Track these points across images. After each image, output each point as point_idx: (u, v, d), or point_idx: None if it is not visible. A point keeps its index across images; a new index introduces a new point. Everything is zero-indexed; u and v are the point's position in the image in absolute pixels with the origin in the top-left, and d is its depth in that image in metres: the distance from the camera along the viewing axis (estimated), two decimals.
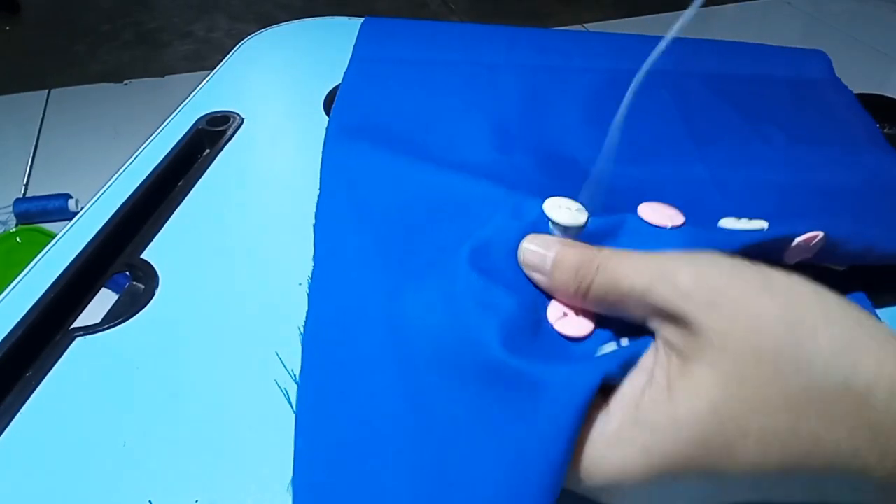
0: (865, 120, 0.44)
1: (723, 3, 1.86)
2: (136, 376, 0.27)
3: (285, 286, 0.31)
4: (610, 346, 0.23)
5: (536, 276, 0.24)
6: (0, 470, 0.24)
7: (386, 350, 0.25)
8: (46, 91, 1.54)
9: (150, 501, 0.23)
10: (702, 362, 0.19)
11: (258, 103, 0.44)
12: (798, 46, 0.50)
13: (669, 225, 0.25)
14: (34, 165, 1.31)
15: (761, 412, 0.18)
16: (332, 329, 0.27)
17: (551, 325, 0.23)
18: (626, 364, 0.21)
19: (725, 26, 1.77)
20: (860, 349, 0.18)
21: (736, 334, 0.18)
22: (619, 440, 0.19)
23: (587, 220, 0.25)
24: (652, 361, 0.20)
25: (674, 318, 0.20)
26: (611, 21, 1.82)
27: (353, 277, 0.29)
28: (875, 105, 0.45)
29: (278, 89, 0.47)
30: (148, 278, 0.32)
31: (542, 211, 0.25)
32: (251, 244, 0.34)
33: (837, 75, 0.49)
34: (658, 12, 1.76)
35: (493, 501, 0.20)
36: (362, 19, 0.52)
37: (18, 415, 0.26)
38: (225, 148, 0.40)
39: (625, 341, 0.23)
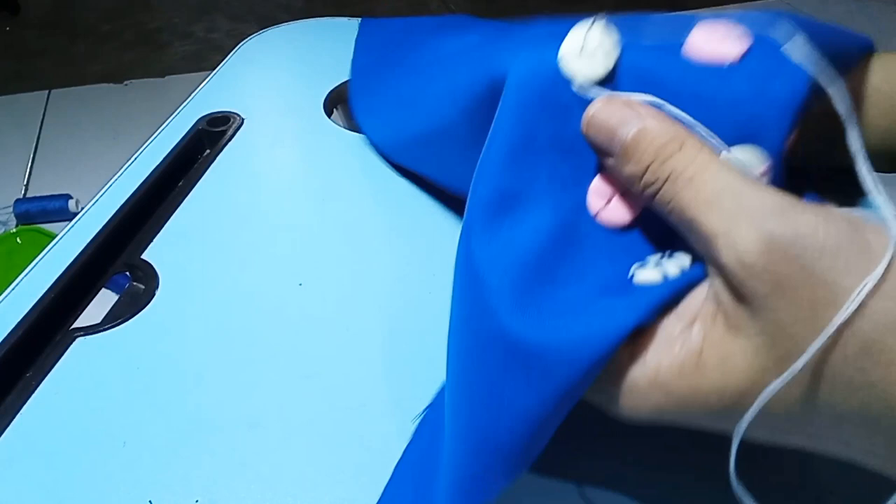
0: None
1: (722, 4, 1.86)
2: (136, 376, 0.27)
3: (285, 286, 0.31)
4: (651, 269, 0.20)
5: (603, 157, 0.20)
6: (0, 470, 0.24)
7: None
8: (46, 91, 1.54)
9: (150, 501, 0.23)
10: (747, 343, 0.17)
11: (258, 104, 0.45)
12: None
13: (729, 60, 0.20)
14: (34, 166, 1.31)
15: (795, 410, 0.16)
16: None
17: (592, 217, 0.21)
18: (665, 304, 0.18)
19: None
20: None
21: (797, 333, 0.16)
22: (637, 393, 0.18)
23: (617, 60, 0.20)
24: (696, 310, 0.18)
25: (731, 283, 0.17)
26: None
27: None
28: None
29: (278, 90, 0.47)
30: (148, 278, 0.32)
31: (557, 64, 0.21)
32: (251, 244, 0.34)
33: None
34: (658, 12, 1.76)
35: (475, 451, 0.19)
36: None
37: (18, 415, 0.26)
38: (225, 148, 0.40)
39: (671, 268, 0.19)
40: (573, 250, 0.20)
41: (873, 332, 0.15)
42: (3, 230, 1.16)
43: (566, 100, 0.21)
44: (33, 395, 0.26)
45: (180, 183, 0.38)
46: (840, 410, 0.16)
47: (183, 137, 0.41)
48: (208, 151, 0.41)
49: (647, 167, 0.19)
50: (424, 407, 0.26)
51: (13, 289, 0.31)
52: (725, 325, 0.17)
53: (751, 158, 0.19)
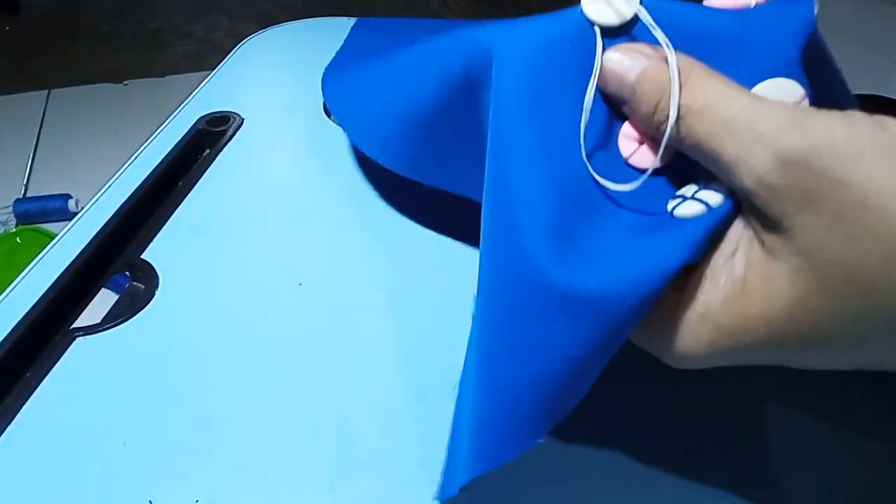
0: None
1: None
2: (136, 376, 0.27)
3: (285, 286, 0.31)
4: (691, 202, 0.19)
5: (621, 105, 0.20)
6: (0, 470, 0.24)
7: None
8: (46, 91, 1.54)
9: (150, 501, 0.23)
10: (786, 265, 0.16)
11: (258, 104, 0.45)
12: None
13: (749, 4, 0.20)
14: (34, 166, 1.31)
15: (844, 327, 0.16)
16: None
17: (626, 161, 0.20)
18: (712, 234, 0.18)
19: None
20: None
21: (832, 246, 0.15)
22: (689, 333, 0.18)
23: (638, 5, 0.20)
24: (736, 239, 0.18)
25: (758, 208, 0.17)
26: None
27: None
28: (875, 105, 0.45)
29: (278, 90, 0.47)
30: (148, 278, 0.32)
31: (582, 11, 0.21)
32: (251, 244, 0.34)
33: None
34: None
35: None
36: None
37: (18, 415, 0.26)
38: (225, 148, 0.40)
39: (712, 197, 0.18)
40: (607, 192, 0.20)
41: None
42: (2, 230, 1.16)
43: (588, 49, 0.21)
44: (33, 395, 0.26)
45: (180, 183, 0.38)
46: (889, 316, 0.15)
47: (183, 137, 0.41)
48: (208, 151, 0.41)
49: (657, 105, 0.19)
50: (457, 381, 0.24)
51: (13, 289, 0.31)
52: (763, 249, 0.17)
53: (782, 90, 0.19)
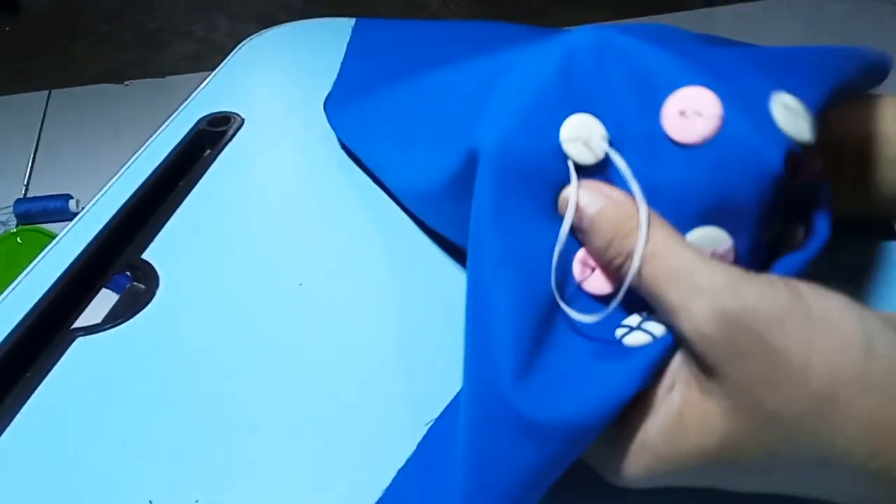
0: None
1: (723, 4, 1.86)
2: (136, 376, 0.27)
3: (285, 286, 0.31)
4: (637, 332, 0.21)
5: (577, 234, 0.22)
6: (0, 470, 0.24)
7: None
8: (47, 91, 1.54)
9: (150, 501, 0.23)
10: (718, 406, 0.18)
11: (259, 104, 0.45)
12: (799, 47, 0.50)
13: (698, 139, 0.21)
14: (35, 166, 1.31)
15: (767, 462, 0.18)
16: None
17: (578, 285, 0.22)
18: (658, 365, 0.20)
19: (725, 27, 1.77)
20: (889, 432, 0.17)
21: (758, 395, 0.17)
22: (629, 457, 0.20)
23: (608, 150, 0.22)
24: (674, 375, 0.20)
25: (695, 353, 0.19)
26: (611, 22, 1.82)
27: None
28: (875, 105, 0.44)
29: (279, 90, 0.47)
30: (148, 279, 0.32)
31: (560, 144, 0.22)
32: (251, 244, 0.34)
33: None
34: (659, 13, 1.77)
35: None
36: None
37: (18, 415, 0.26)
38: (225, 149, 0.40)
39: (655, 328, 0.20)
40: (564, 316, 0.22)
41: (829, 387, 0.17)
42: (3, 230, 1.16)
43: (561, 181, 0.22)
44: (33, 395, 0.26)
45: (180, 183, 0.38)
46: (804, 457, 0.18)
47: (183, 137, 0.41)
48: (208, 151, 0.41)
49: (610, 242, 0.21)
50: (436, 416, 0.26)
51: (13, 289, 0.31)
52: (699, 388, 0.19)
53: (711, 238, 0.21)
